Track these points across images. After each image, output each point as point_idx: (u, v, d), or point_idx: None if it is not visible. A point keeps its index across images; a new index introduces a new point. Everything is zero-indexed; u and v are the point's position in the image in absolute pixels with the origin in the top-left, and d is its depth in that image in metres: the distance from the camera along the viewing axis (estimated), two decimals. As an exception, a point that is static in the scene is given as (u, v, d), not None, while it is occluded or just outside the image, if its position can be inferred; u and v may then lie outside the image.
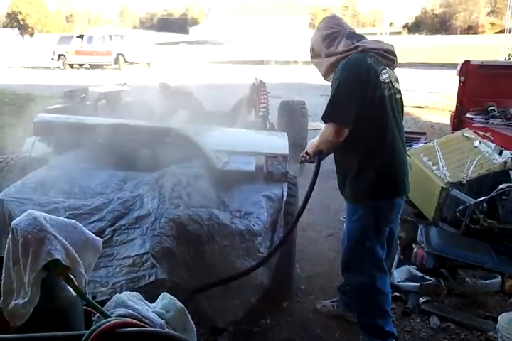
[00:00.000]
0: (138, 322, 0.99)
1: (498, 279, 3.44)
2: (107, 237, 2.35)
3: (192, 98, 5.88)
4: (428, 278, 3.48)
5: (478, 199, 3.62)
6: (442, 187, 3.76)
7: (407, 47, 29.59)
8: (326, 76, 2.66)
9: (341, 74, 2.41)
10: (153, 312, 1.09)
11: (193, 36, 59.81)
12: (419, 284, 3.42)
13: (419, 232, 3.85)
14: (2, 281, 1.03)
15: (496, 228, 3.67)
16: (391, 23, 57.64)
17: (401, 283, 3.48)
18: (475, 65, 5.84)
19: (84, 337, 0.89)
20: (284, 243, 2.71)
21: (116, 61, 23.74)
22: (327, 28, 2.62)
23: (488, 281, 3.42)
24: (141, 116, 4.92)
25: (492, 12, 58.13)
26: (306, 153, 2.73)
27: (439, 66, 21.17)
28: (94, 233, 1.17)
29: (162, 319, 1.07)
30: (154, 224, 2.39)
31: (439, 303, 3.31)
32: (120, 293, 1.14)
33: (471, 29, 55.09)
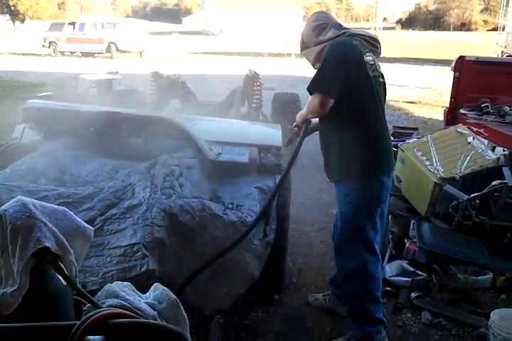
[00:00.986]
0: (130, 313, 0.96)
1: (490, 276, 3.45)
2: (98, 226, 2.30)
3: (185, 88, 5.84)
4: (420, 273, 3.48)
5: (471, 196, 3.62)
6: (435, 182, 3.75)
7: (400, 42, 29.67)
8: (315, 64, 2.75)
9: (328, 51, 2.55)
10: (145, 303, 1.06)
11: (185, 26, 59.39)
12: (410, 279, 3.41)
13: (411, 227, 3.84)
14: (-11, 269, 1.00)
15: (488, 224, 3.66)
16: (385, 18, 57.71)
17: (393, 278, 3.47)
18: (470, 60, 5.82)
19: (75, 327, 0.86)
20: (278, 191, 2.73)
21: (108, 49, 23.56)
22: (317, 20, 2.78)
23: (479, 278, 3.42)
24: (132, 104, 4.87)
25: (485, 9, 58.28)
26: (296, 126, 2.86)
27: (432, 62, 21.17)
28: (84, 222, 1.14)
29: (154, 310, 1.05)
30: (146, 214, 2.35)
31: (431, 299, 3.31)
32: (111, 283, 1.11)
33: (464, 26, 55.19)
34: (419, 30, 49.84)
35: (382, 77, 2.71)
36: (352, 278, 2.75)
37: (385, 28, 41.13)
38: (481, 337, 2.93)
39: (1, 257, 0.98)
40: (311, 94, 2.55)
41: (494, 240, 3.72)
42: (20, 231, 0.96)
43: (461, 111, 5.71)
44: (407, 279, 3.43)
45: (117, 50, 23.59)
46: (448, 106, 6.04)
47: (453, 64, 5.89)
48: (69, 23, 25.10)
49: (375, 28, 31.26)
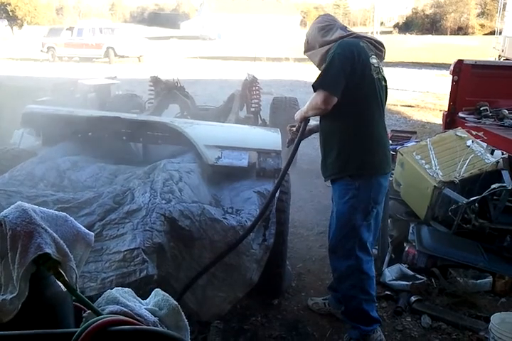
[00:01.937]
0: (131, 319, 0.96)
1: (489, 279, 3.44)
2: (97, 232, 2.29)
3: (183, 92, 5.84)
4: (419, 277, 3.47)
5: (470, 199, 3.61)
6: (435, 186, 3.74)
7: (397, 46, 29.73)
8: (320, 65, 2.76)
9: (336, 50, 2.57)
10: (145, 309, 1.05)
11: (183, 31, 59.53)
12: (410, 283, 3.40)
13: (410, 231, 3.84)
14: (-11, 275, 0.99)
15: (487, 228, 3.66)
16: (382, 23, 57.89)
17: (392, 282, 3.46)
18: (468, 64, 5.82)
19: (76, 335, 0.85)
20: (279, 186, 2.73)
21: (107, 54, 23.52)
22: (323, 22, 2.81)
23: (479, 281, 3.42)
24: (131, 109, 4.87)
25: (482, 14, 58.55)
26: (294, 126, 2.88)
27: (429, 66, 21.25)
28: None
29: (155, 316, 1.04)
30: (145, 219, 2.34)
31: (431, 302, 3.30)
32: (110, 288, 1.10)
33: (461, 30, 55.44)
34: (416, 34, 50.09)
35: (385, 81, 2.73)
36: (347, 277, 2.76)
37: (382, 32, 41.20)
38: (481, 341, 2.92)
39: (1, 263, 0.97)
40: (315, 91, 2.56)
41: (494, 243, 3.72)
42: (20, 238, 0.95)
43: (460, 114, 5.71)
44: (407, 283, 3.42)
45: (115, 55, 23.56)
46: (446, 109, 6.04)
47: (451, 67, 5.89)
48: (67, 28, 25.07)
49: (372, 33, 31.34)
